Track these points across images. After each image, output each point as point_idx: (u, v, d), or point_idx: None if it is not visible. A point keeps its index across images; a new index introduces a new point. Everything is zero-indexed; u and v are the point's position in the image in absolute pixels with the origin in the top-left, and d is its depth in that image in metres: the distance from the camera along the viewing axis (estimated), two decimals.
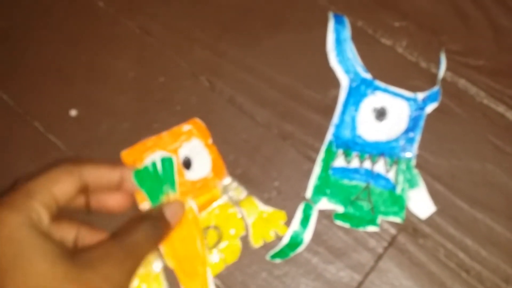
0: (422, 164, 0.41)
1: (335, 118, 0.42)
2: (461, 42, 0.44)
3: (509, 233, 0.39)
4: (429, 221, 0.39)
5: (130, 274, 0.32)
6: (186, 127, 0.42)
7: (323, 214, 0.40)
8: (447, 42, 0.44)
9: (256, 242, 0.39)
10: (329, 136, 0.41)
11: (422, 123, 0.41)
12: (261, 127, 0.43)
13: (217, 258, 0.39)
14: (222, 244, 0.40)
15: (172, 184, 0.40)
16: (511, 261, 0.38)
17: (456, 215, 0.39)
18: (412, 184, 0.40)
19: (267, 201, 0.41)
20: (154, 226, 0.35)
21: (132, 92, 0.44)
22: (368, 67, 0.43)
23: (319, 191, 0.40)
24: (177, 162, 0.40)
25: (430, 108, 0.41)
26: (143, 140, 0.41)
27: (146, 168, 0.39)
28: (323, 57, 0.44)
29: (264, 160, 0.42)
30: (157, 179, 0.39)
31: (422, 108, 0.41)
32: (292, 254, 0.39)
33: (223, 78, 0.44)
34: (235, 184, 0.41)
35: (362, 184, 0.40)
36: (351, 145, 0.41)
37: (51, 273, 0.29)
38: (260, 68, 0.44)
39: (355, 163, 0.41)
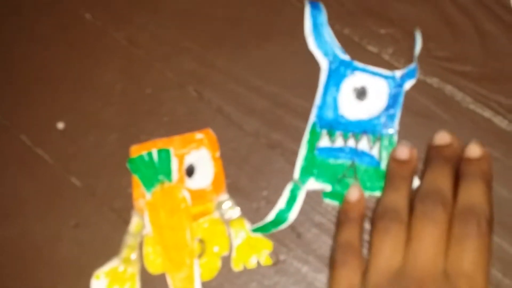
0: None
1: (317, 100, 0.42)
2: (447, 48, 0.44)
3: (498, 238, 0.39)
4: None
5: None
6: (198, 135, 0.42)
7: (313, 223, 0.40)
8: (433, 48, 0.44)
9: (236, 266, 0.39)
10: (312, 118, 0.42)
11: (401, 100, 0.42)
12: (249, 136, 0.43)
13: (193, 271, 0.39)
14: (203, 260, 0.39)
15: (168, 174, 0.40)
16: (501, 267, 0.38)
17: None
18: None
19: (256, 211, 0.41)
20: None
21: (120, 104, 0.44)
22: None
23: (306, 171, 0.41)
24: (181, 167, 0.41)
25: (408, 84, 0.42)
26: (154, 139, 0.42)
27: (141, 156, 0.40)
28: (311, 66, 0.44)
29: (252, 169, 0.42)
30: (152, 168, 0.40)
31: (400, 85, 0.42)
32: (273, 230, 0.40)
33: (211, 88, 0.44)
34: (230, 203, 0.41)
35: (348, 162, 0.41)
36: (334, 125, 0.42)
37: None
38: (248, 78, 0.44)
39: (339, 142, 0.42)
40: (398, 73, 0.42)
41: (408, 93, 0.43)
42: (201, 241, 0.40)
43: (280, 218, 0.40)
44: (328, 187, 0.41)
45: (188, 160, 0.41)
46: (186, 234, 0.40)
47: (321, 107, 0.42)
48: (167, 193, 0.41)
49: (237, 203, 0.41)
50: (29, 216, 0.42)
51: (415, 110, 0.42)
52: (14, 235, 0.42)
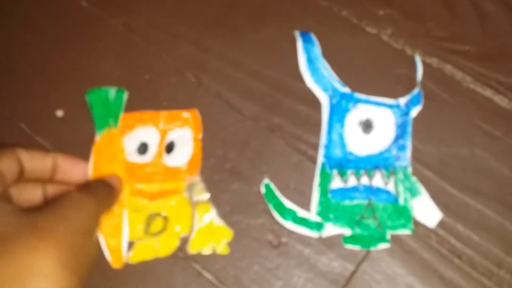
0: (412, 152, 0.41)
1: (323, 139, 0.41)
2: (446, 28, 0.44)
3: (500, 217, 0.39)
4: None
5: (89, 218, 0.33)
6: (185, 114, 0.42)
7: None
8: (432, 28, 0.44)
9: (192, 249, 0.40)
10: (320, 159, 0.41)
11: (410, 129, 0.40)
12: (249, 120, 0.42)
13: (151, 246, 0.39)
14: (162, 236, 0.39)
15: (116, 118, 0.41)
16: (503, 245, 0.38)
17: (446, 201, 0.39)
18: (413, 192, 0.39)
19: (257, 194, 0.40)
20: (109, 187, 0.38)
21: None
22: (354, 56, 0.43)
23: (322, 217, 0.39)
24: (162, 142, 0.41)
25: (414, 111, 0.41)
26: (142, 110, 0.42)
27: (100, 90, 0.41)
28: None
29: (253, 153, 0.42)
30: (106, 108, 0.41)
31: (406, 113, 0.41)
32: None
33: (209, 73, 0.44)
34: (201, 185, 0.41)
35: (364, 202, 0.39)
36: (344, 163, 0.40)
37: (10, 223, 0.30)
38: (246, 62, 0.44)
39: (352, 181, 0.40)
40: (402, 101, 0.41)
41: (407, 74, 0.42)
42: (165, 218, 0.40)
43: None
44: (347, 231, 0.39)
45: (170, 137, 0.42)
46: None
47: (328, 146, 0.41)
48: (111, 139, 0.41)
49: (238, 187, 0.41)
50: None
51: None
52: None
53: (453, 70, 0.42)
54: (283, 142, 0.42)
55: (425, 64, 0.42)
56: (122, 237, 0.39)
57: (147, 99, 0.43)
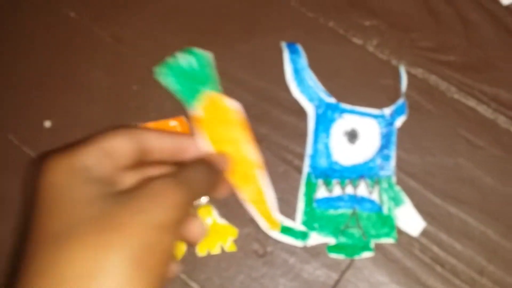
0: (396, 162, 0.41)
1: (308, 149, 0.41)
2: (431, 38, 0.44)
3: (482, 226, 0.39)
4: None
5: (171, 211, 0.29)
6: (172, 122, 0.42)
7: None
8: (417, 39, 0.44)
9: (200, 251, 0.40)
10: (306, 168, 0.41)
11: (394, 139, 0.41)
12: None
13: None
14: None
15: (212, 82, 0.39)
16: (485, 254, 0.39)
17: (430, 210, 0.40)
18: (397, 201, 0.40)
19: (243, 204, 0.41)
20: (210, 169, 0.34)
21: (106, 102, 0.44)
22: (340, 67, 0.44)
23: (307, 226, 0.40)
24: None
25: (399, 122, 0.41)
26: (130, 123, 0.42)
27: (179, 64, 0.39)
28: None
29: None
30: (192, 77, 0.39)
31: (391, 124, 0.41)
32: None
33: None
34: None
35: (349, 211, 0.40)
36: (330, 173, 0.41)
37: (87, 211, 0.28)
38: (234, 72, 0.44)
39: (337, 191, 0.40)
40: (387, 111, 0.42)
41: (392, 85, 0.43)
42: None
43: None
44: (332, 240, 0.40)
45: None
46: (244, 146, 0.39)
47: (314, 156, 0.41)
48: (216, 105, 0.40)
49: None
50: (18, 214, 0.42)
51: None
52: (3, 233, 0.42)
53: (437, 81, 0.43)
54: (269, 152, 0.42)
55: (410, 75, 0.43)
56: (267, 200, 0.39)
57: (136, 109, 0.44)
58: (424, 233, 0.39)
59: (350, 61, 0.44)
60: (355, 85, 0.43)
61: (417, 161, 0.41)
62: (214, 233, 0.40)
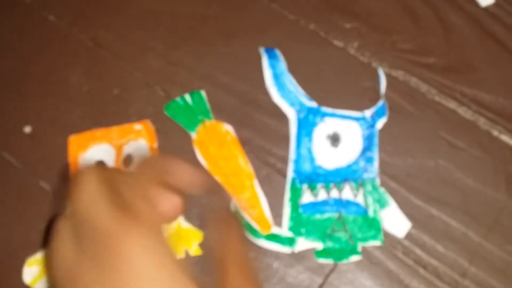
0: (378, 164, 0.41)
1: (292, 154, 0.41)
2: (412, 41, 0.45)
3: (464, 227, 0.40)
4: None
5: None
6: (137, 126, 0.43)
7: None
8: (398, 41, 0.45)
9: None
10: (290, 174, 0.41)
11: (376, 141, 0.41)
12: None
13: None
14: None
15: (207, 113, 0.42)
16: (467, 255, 0.39)
17: (412, 212, 0.40)
18: (382, 203, 0.40)
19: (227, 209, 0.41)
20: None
21: (87, 106, 0.44)
22: (322, 69, 0.44)
23: (294, 232, 0.40)
24: (118, 158, 0.42)
25: (380, 123, 0.42)
26: (92, 129, 0.42)
27: (176, 102, 0.42)
28: None
29: None
30: (189, 111, 0.42)
31: (372, 125, 0.41)
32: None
33: (179, 86, 0.44)
34: None
35: (335, 215, 0.40)
36: (314, 177, 0.41)
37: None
38: (215, 75, 0.44)
39: (322, 195, 0.40)
40: (368, 113, 0.42)
41: (373, 87, 0.43)
42: None
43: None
44: (319, 245, 0.40)
45: (126, 151, 0.42)
46: (239, 161, 0.41)
47: (297, 161, 0.41)
48: (211, 130, 0.42)
49: (209, 199, 0.41)
50: None
51: None
52: None
53: (418, 83, 0.43)
54: (252, 155, 0.42)
55: (391, 77, 0.43)
56: (262, 204, 0.40)
57: (116, 114, 0.43)
58: (407, 235, 0.40)
59: (331, 64, 0.44)
60: (336, 87, 0.43)
61: (398, 163, 0.41)
62: (178, 238, 0.40)
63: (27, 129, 0.43)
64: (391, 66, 0.44)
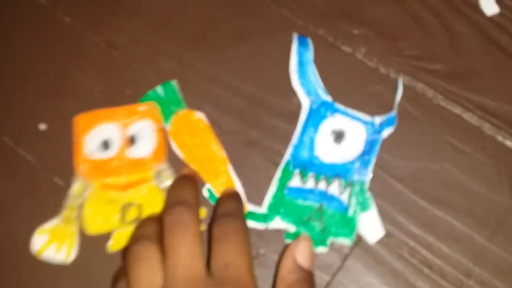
0: (384, 166, 0.42)
1: (294, 139, 0.42)
2: (418, 48, 0.46)
3: (468, 229, 0.40)
4: (392, 220, 0.41)
5: None
6: (141, 107, 0.44)
7: None
8: (405, 48, 0.46)
9: None
10: (287, 156, 0.42)
11: (377, 147, 0.42)
12: (227, 135, 0.44)
13: (129, 234, 0.40)
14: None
15: (179, 103, 0.43)
16: (472, 256, 0.40)
17: (417, 214, 0.41)
18: (364, 207, 0.41)
19: None
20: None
21: (100, 105, 0.44)
22: (330, 74, 0.45)
23: (273, 209, 0.41)
24: (123, 137, 0.43)
25: (386, 132, 0.42)
26: (98, 109, 0.44)
27: (147, 95, 0.43)
28: (284, 65, 0.45)
29: (231, 167, 0.43)
30: (161, 102, 0.43)
31: (378, 132, 0.42)
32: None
33: (189, 88, 0.45)
34: (169, 171, 0.42)
35: (316, 205, 0.41)
36: (308, 165, 0.42)
37: None
38: (226, 78, 0.45)
39: (310, 183, 0.41)
40: (377, 120, 0.42)
41: (380, 92, 0.44)
42: (138, 206, 0.41)
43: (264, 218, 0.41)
44: (292, 228, 0.41)
45: (131, 130, 0.43)
46: (213, 147, 0.43)
47: (297, 147, 0.42)
48: (184, 119, 0.43)
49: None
50: (12, 216, 0.43)
51: (388, 108, 0.43)
52: None
53: (424, 88, 0.44)
54: (261, 156, 0.43)
55: (397, 82, 0.44)
56: (237, 188, 0.42)
57: None
58: (412, 236, 0.40)
59: (340, 69, 0.45)
60: (344, 91, 0.44)
61: (404, 166, 0.42)
62: None
63: (42, 127, 0.44)
64: (398, 71, 0.45)
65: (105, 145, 0.43)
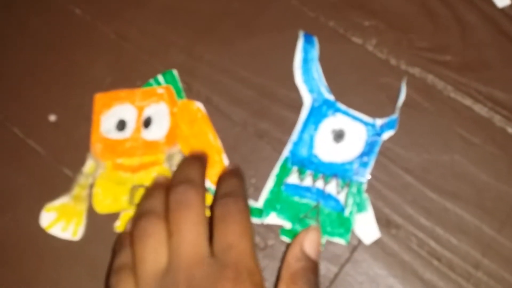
0: (393, 158, 0.42)
1: (294, 136, 0.42)
2: (429, 39, 0.45)
3: (477, 221, 0.40)
4: (402, 212, 0.41)
5: None
6: (160, 90, 0.44)
7: None
8: (415, 39, 0.45)
9: None
10: (285, 153, 0.42)
11: (377, 149, 0.42)
12: (237, 126, 0.44)
13: None
14: None
15: (179, 92, 0.44)
16: (480, 248, 0.40)
17: (427, 205, 0.41)
18: (360, 208, 0.40)
19: None
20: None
21: None
22: (340, 65, 0.45)
23: (269, 205, 0.41)
24: (139, 118, 0.43)
25: (386, 135, 0.42)
26: (118, 89, 0.44)
27: (149, 83, 0.44)
28: (295, 56, 0.45)
29: (241, 158, 0.43)
30: None
31: (379, 134, 0.42)
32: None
33: (199, 80, 0.45)
34: (180, 155, 0.42)
35: (312, 203, 0.41)
36: (306, 163, 0.42)
37: None
38: (235, 69, 0.45)
39: (308, 181, 0.41)
40: (378, 122, 0.42)
41: (390, 83, 0.44)
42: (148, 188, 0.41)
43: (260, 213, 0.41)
44: (288, 225, 0.41)
45: (147, 112, 0.43)
46: (209, 137, 0.43)
47: (297, 144, 0.42)
48: (183, 108, 0.43)
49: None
50: (22, 206, 0.43)
51: (397, 100, 0.43)
52: (7, 226, 0.43)
53: (434, 80, 0.44)
54: (270, 147, 0.43)
55: (408, 74, 0.44)
56: None
57: None
58: (421, 228, 0.40)
59: (350, 60, 0.45)
60: (354, 83, 0.44)
61: (414, 158, 0.42)
62: None
63: (52, 118, 0.45)
64: (408, 63, 0.44)
65: (121, 125, 0.43)
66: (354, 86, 0.44)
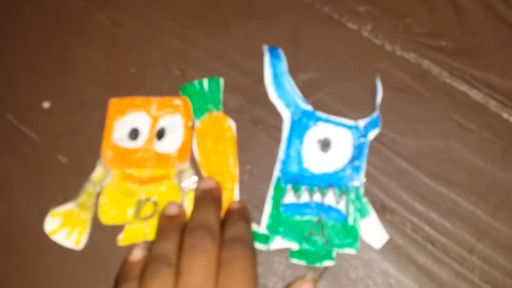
0: (389, 144, 0.42)
1: (281, 154, 0.42)
2: (424, 24, 0.45)
3: (472, 206, 0.40)
4: (396, 197, 0.41)
5: None
6: (177, 101, 0.43)
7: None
8: (411, 25, 0.45)
9: None
10: (276, 173, 0.41)
11: (366, 151, 0.41)
12: (232, 112, 0.44)
13: (141, 230, 0.41)
14: (152, 221, 0.41)
15: (217, 103, 0.43)
16: (474, 233, 0.40)
17: (422, 191, 0.41)
18: (363, 213, 0.40)
19: (240, 184, 0.42)
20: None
21: (104, 83, 0.45)
22: (335, 51, 0.45)
23: (271, 230, 0.40)
24: (153, 129, 0.42)
25: (372, 134, 0.42)
26: (135, 96, 0.44)
27: (192, 84, 0.43)
28: (290, 42, 0.45)
29: (236, 144, 0.43)
30: (202, 97, 0.43)
31: (364, 136, 0.42)
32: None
33: (194, 66, 0.45)
34: (190, 172, 0.42)
35: (314, 218, 0.40)
36: (299, 179, 0.41)
37: None
38: (230, 55, 0.45)
39: (305, 197, 0.41)
40: (361, 123, 0.42)
41: (386, 69, 0.44)
42: (155, 203, 0.41)
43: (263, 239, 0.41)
44: (295, 246, 0.40)
45: (161, 123, 0.43)
46: (230, 161, 0.42)
47: (285, 161, 0.42)
48: (215, 122, 0.43)
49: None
50: (17, 193, 0.43)
51: (393, 85, 0.43)
52: (2, 212, 0.43)
53: (430, 65, 0.44)
54: (265, 134, 0.43)
55: (403, 59, 0.44)
56: None
57: (133, 91, 0.44)
58: (416, 213, 0.40)
59: (345, 46, 0.45)
60: (349, 69, 0.44)
61: (409, 143, 0.42)
62: None
63: (46, 105, 0.44)
64: (404, 48, 0.44)
65: (134, 133, 0.42)
66: (350, 72, 0.44)
